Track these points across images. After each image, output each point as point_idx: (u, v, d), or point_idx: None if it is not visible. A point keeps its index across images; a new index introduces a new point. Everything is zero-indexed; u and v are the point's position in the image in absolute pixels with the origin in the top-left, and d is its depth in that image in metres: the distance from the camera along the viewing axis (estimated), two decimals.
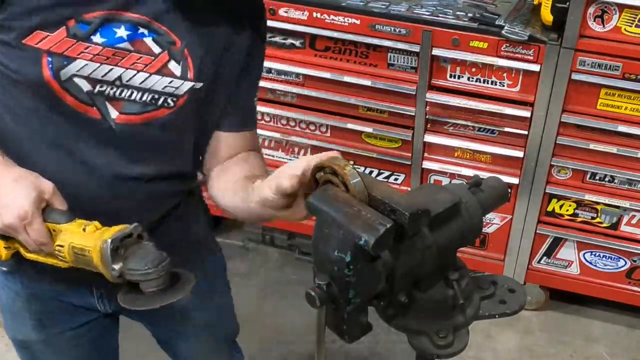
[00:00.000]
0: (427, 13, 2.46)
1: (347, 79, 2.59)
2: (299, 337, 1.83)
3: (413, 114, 2.59)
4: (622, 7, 2.23)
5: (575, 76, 2.36)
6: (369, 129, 2.68)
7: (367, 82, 2.57)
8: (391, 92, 2.58)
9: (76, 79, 1.19)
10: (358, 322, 1.12)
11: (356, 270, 1.04)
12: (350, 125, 2.70)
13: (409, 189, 2.75)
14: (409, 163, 2.72)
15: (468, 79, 2.50)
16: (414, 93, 2.54)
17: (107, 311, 1.50)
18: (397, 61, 2.53)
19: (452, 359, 1.20)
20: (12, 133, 1.24)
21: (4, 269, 1.45)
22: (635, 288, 2.75)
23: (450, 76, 2.51)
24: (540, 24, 2.37)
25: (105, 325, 1.58)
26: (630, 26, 2.26)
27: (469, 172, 2.64)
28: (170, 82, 1.24)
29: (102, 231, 1.14)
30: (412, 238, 1.11)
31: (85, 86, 1.20)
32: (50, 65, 1.17)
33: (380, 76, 2.57)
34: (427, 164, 2.71)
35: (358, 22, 2.46)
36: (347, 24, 2.48)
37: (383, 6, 2.50)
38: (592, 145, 2.48)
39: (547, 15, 2.30)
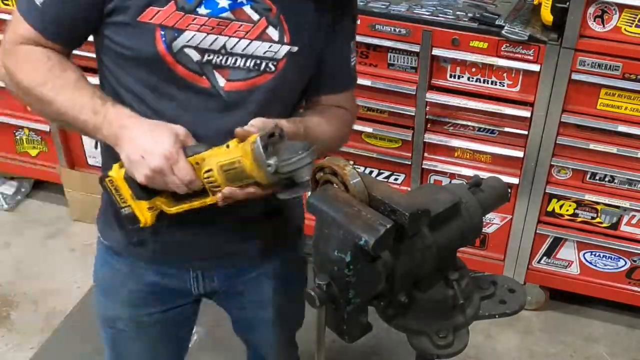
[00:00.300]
0: (427, 13, 2.46)
1: None
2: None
3: (413, 114, 2.59)
4: (622, 7, 2.23)
5: (575, 76, 2.36)
6: (369, 129, 2.68)
7: (367, 82, 2.56)
8: (391, 92, 2.58)
9: (186, 50, 1.27)
10: (358, 322, 1.12)
11: (356, 270, 1.04)
12: None
13: (409, 189, 2.74)
14: (409, 163, 2.72)
15: (468, 79, 2.49)
16: (414, 93, 2.54)
17: (199, 292, 1.55)
18: (397, 61, 2.53)
19: (452, 359, 1.20)
20: (129, 108, 1.29)
21: (107, 243, 1.51)
22: (635, 288, 2.75)
23: (450, 76, 2.51)
24: (540, 24, 2.37)
25: (189, 312, 1.62)
26: (630, 26, 2.26)
27: (469, 172, 2.64)
28: (270, 46, 1.31)
29: (246, 141, 1.18)
30: (412, 238, 1.11)
31: (195, 56, 1.28)
32: (163, 39, 1.25)
33: (380, 76, 2.57)
34: (427, 164, 2.70)
35: (358, 22, 2.45)
36: None
37: (383, 6, 2.49)
38: (592, 145, 2.48)
39: (547, 15, 2.30)
